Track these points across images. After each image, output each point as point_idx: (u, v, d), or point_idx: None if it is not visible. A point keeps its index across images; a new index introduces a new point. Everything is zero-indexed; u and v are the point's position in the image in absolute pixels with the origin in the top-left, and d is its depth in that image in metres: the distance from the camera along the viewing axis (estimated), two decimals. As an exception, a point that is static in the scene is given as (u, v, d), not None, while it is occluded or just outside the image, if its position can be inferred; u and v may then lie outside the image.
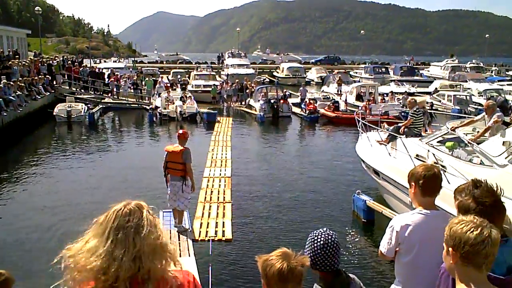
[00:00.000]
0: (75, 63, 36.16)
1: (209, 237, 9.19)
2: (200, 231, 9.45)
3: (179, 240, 8.82)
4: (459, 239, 2.09)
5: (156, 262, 1.87)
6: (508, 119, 8.69)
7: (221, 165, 15.03)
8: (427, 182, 3.27)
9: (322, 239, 2.65)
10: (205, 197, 11.59)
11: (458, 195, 2.64)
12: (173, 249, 1.96)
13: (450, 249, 2.15)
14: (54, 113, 23.78)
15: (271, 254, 2.25)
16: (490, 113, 8.85)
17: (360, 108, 23.20)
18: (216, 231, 9.45)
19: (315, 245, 2.66)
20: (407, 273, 3.37)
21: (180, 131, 8.99)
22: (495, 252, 2.07)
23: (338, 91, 32.96)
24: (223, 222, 9.95)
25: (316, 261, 2.65)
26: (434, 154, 8.46)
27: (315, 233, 2.72)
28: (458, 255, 2.10)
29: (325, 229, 2.75)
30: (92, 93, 30.46)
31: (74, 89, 30.46)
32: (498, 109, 9.42)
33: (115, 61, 55.09)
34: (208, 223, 9.91)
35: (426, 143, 9.37)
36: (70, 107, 24.41)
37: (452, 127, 9.37)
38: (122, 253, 1.80)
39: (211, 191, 12.11)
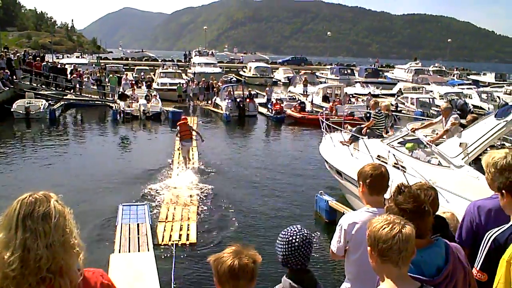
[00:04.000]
0: (37, 58, 35.08)
1: (173, 240, 8.89)
2: (163, 235, 9.14)
3: (138, 234, 8.69)
4: (373, 237, 2.14)
5: (66, 256, 1.78)
6: (464, 121, 8.93)
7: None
8: (374, 181, 3.32)
9: (298, 239, 2.58)
10: (171, 199, 11.33)
11: (386, 201, 2.66)
12: (82, 245, 1.86)
13: (369, 248, 2.19)
14: (12, 109, 22.94)
15: (223, 251, 2.22)
16: (446, 115, 9.11)
17: (324, 109, 23.44)
18: (180, 235, 9.16)
19: (291, 244, 2.58)
20: (355, 271, 3.39)
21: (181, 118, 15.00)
22: (409, 248, 2.09)
23: (304, 91, 33.23)
24: (188, 225, 9.65)
25: (289, 259, 2.59)
26: (394, 155, 8.64)
27: (291, 232, 2.62)
28: (375, 253, 2.14)
29: (299, 227, 2.66)
30: (54, 89, 29.58)
31: (35, 84, 29.51)
32: (454, 111, 9.69)
33: (78, 57, 53.86)
34: (172, 225, 9.60)
35: (387, 144, 9.55)
36: (29, 103, 23.60)
37: (412, 128, 9.58)
38: (36, 243, 1.71)
39: (177, 195, 11.70)
